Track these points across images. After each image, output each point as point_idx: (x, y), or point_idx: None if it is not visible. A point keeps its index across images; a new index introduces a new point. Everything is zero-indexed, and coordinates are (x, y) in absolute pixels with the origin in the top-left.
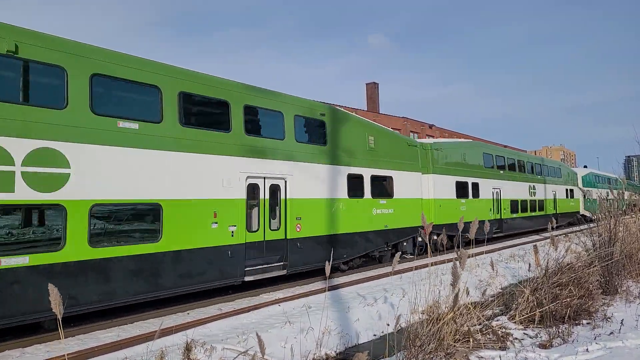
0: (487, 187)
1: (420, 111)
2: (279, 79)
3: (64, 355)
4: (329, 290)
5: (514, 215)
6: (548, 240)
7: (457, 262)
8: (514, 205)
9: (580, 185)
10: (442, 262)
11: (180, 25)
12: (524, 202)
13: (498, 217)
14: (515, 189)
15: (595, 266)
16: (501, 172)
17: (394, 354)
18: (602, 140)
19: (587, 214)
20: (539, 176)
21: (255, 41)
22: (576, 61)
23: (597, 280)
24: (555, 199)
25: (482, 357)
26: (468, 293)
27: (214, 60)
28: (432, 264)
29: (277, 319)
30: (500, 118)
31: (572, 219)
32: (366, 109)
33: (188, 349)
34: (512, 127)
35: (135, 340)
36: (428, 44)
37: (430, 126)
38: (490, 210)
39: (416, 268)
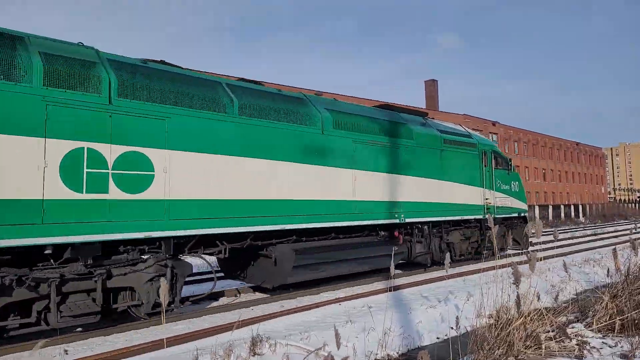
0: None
1: (483, 108)
2: (335, 80)
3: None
4: (389, 291)
5: None
6: (627, 244)
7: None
8: None
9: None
10: (508, 265)
11: (236, 30)
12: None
13: None
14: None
15: None
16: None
17: (460, 357)
18: None
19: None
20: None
21: (309, 43)
22: None
23: None
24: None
25: None
26: (539, 298)
27: (267, 64)
28: (498, 267)
29: (338, 317)
30: (573, 113)
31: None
32: (425, 107)
33: (254, 343)
34: (585, 123)
35: (205, 333)
36: (493, 40)
37: (494, 123)
38: None
39: (483, 270)
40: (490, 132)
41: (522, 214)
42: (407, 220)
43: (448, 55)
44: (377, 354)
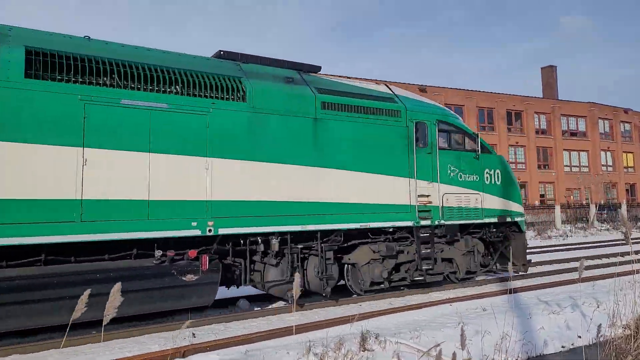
0: None
1: (613, 98)
2: (449, 73)
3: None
4: (502, 294)
5: None
6: None
7: None
8: None
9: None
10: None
11: (346, 29)
12: None
13: None
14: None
15: None
16: None
17: None
18: None
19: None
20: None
21: (419, 38)
22: None
23: None
24: None
25: None
26: None
27: (376, 60)
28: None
29: (449, 318)
30: None
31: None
32: (542, 96)
33: (363, 339)
34: None
35: (315, 326)
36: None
37: (626, 111)
38: None
39: (618, 275)
40: (621, 121)
41: (510, 219)
42: (224, 231)
43: (572, 38)
44: (492, 359)
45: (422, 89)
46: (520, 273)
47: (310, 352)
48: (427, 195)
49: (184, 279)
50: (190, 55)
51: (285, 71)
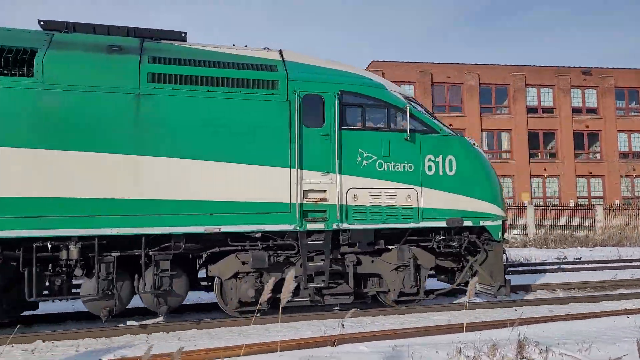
0: None
1: None
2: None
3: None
4: None
5: None
6: None
7: None
8: None
9: None
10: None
11: (482, 19)
12: None
13: None
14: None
15: None
16: None
17: None
18: None
19: None
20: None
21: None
22: None
23: None
24: None
25: None
26: None
27: (517, 45)
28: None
29: (625, 332)
30: None
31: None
32: None
33: (521, 345)
34: None
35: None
36: None
37: None
38: None
39: None
40: None
41: (472, 223)
42: None
43: None
44: None
45: (586, 72)
46: (498, 298)
47: (461, 353)
48: (321, 191)
49: None
50: None
51: (114, 39)
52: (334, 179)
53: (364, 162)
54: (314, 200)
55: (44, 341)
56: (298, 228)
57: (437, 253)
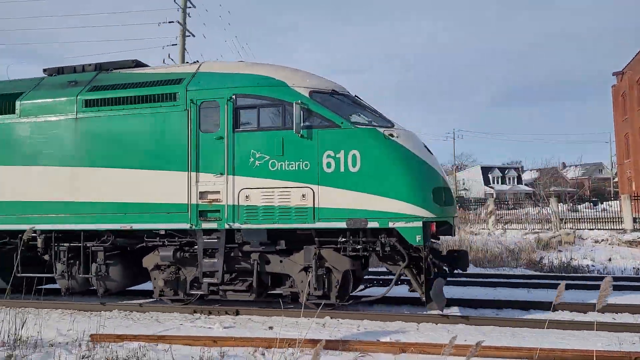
0: None
1: None
2: None
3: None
4: None
5: None
6: None
7: None
8: None
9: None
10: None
11: None
12: None
13: None
14: None
15: None
16: None
17: None
18: None
19: None
20: None
21: None
22: None
23: None
24: None
25: None
26: None
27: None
28: None
29: None
30: None
31: None
32: None
33: None
34: None
35: None
36: None
37: None
38: None
39: None
40: None
41: (378, 223)
42: None
43: None
44: None
45: None
46: (429, 310)
47: None
48: (215, 192)
49: None
50: None
51: (78, 75)
52: (227, 180)
53: (257, 162)
54: (208, 201)
55: (331, 318)
56: (194, 227)
57: (383, 257)
